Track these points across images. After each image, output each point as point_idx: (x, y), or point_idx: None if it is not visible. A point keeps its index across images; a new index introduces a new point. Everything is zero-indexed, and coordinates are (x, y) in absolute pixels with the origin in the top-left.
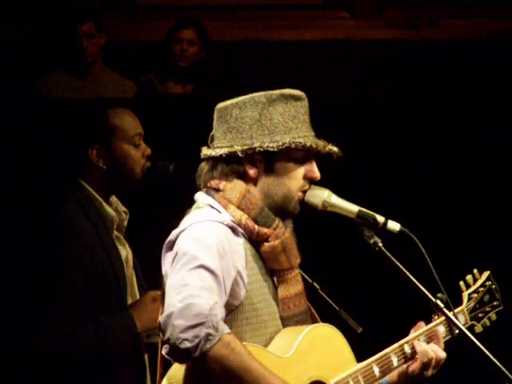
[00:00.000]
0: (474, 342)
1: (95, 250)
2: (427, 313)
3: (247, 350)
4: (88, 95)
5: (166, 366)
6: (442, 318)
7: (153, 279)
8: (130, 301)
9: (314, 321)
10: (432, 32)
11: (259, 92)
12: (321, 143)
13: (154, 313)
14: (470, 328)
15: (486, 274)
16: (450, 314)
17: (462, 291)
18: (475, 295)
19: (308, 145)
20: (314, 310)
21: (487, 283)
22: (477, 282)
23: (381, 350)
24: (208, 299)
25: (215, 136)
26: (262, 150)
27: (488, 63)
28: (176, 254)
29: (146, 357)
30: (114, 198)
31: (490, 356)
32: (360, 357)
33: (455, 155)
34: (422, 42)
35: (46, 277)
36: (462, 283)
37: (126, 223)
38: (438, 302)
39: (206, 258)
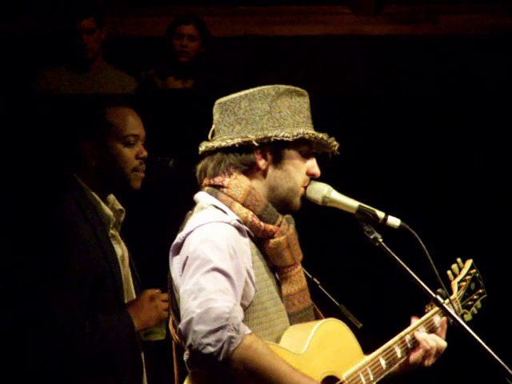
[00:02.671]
0: (472, 336)
1: (93, 251)
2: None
3: (269, 349)
4: (88, 91)
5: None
6: (437, 307)
7: (149, 277)
8: (126, 299)
9: (317, 316)
10: (432, 28)
11: (266, 85)
12: (329, 138)
13: (151, 311)
14: (461, 317)
15: (470, 262)
16: (451, 310)
17: (451, 280)
18: (463, 284)
19: (320, 137)
20: (315, 305)
21: (472, 271)
22: (462, 270)
23: (380, 344)
24: (226, 302)
25: (219, 129)
26: (277, 139)
27: (489, 59)
28: (187, 258)
29: (143, 355)
30: (111, 196)
31: (489, 350)
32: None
33: (455, 151)
34: (423, 37)
35: (43, 277)
36: (449, 272)
37: (122, 220)
38: (438, 297)
39: (218, 260)
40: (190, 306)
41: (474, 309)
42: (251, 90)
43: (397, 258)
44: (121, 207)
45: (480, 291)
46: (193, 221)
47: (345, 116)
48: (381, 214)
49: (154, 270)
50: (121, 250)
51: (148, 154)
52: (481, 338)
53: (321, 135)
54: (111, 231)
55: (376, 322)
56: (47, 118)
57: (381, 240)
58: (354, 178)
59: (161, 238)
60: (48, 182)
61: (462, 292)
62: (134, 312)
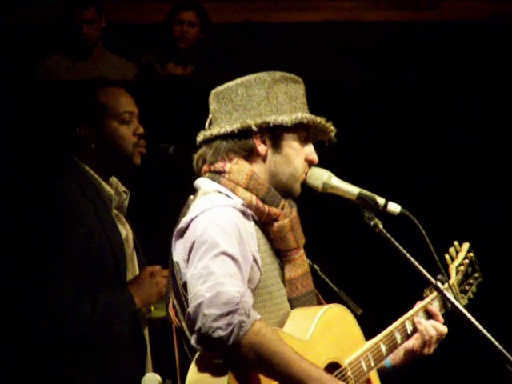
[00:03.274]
0: (472, 322)
1: (93, 229)
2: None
3: (278, 335)
4: (88, 77)
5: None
6: (435, 293)
7: (154, 258)
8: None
9: (319, 300)
10: (433, 14)
11: (262, 72)
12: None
13: (151, 288)
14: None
15: (467, 245)
16: (450, 296)
17: (449, 264)
18: (461, 268)
19: (318, 120)
20: (316, 290)
21: (469, 255)
22: (459, 254)
23: (378, 330)
24: (236, 286)
25: (216, 118)
26: (276, 124)
27: (489, 45)
28: (193, 242)
29: (147, 332)
30: (114, 179)
31: (489, 336)
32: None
33: (454, 138)
34: (423, 24)
35: (43, 254)
36: (447, 256)
37: (126, 203)
38: (438, 283)
39: (225, 244)
40: (199, 290)
41: (470, 293)
42: (247, 77)
43: (397, 244)
44: (125, 189)
45: (476, 275)
46: (197, 205)
47: (344, 102)
48: (381, 201)
49: (156, 255)
50: (125, 231)
51: (148, 140)
52: (480, 324)
53: (319, 119)
54: (114, 211)
55: (375, 308)
56: (46, 104)
57: (381, 226)
58: (352, 164)
59: (162, 224)
60: (48, 164)
61: (460, 276)
62: (135, 289)
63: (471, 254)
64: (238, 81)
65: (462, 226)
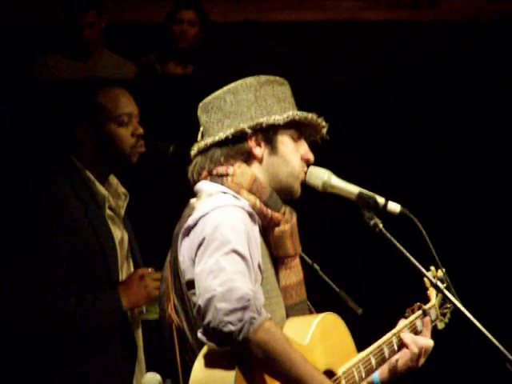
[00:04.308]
0: (472, 321)
1: (82, 229)
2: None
3: (285, 336)
4: (88, 77)
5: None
6: (419, 312)
7: (151, 260)
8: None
9: (310, 311)
10: (433, 13)
11: (247, 77)
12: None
13: (140, 290)
14: (434, 325)
15: (443, 271)
16: (450, 295)
17: (428, 287)
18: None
19: (310, 116)
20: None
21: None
22: (436, 278)
23: (378, 331)
24: (247, 284)
25: (208, 129)
26: (269, 124)
27: (489, 45)
28: (203, 239)
29: (140, 333)
30: (114, 180)
31: (489, 336)
32: (356, 337)
33: (454, 137)
34: (423, 23)
35: (28, 252)
36: (426, 280)
37: (125, 205)
38: (438, 282)
39: (236, 242)
40: (210, 285)
41: (447, 317)
42: (232, 85)
43: (397, 243)
44: (124, 191)
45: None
46: (205, 204)
47: (344, 102)
48: (381, 200)
49: (154, 255)
50: (120, 232)
51: (148, 140)
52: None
53: (310, 115)
54: (109, 212)
55: (375, 308)
56: (45, 103)
57: (381, 226)
58: (352, 165)
59: (161, 223)
60: (42, 162)
61: (439, 299)
62: (123, 290)
63: (447, 279)
64: (225, 89)
65: (462, 227)
